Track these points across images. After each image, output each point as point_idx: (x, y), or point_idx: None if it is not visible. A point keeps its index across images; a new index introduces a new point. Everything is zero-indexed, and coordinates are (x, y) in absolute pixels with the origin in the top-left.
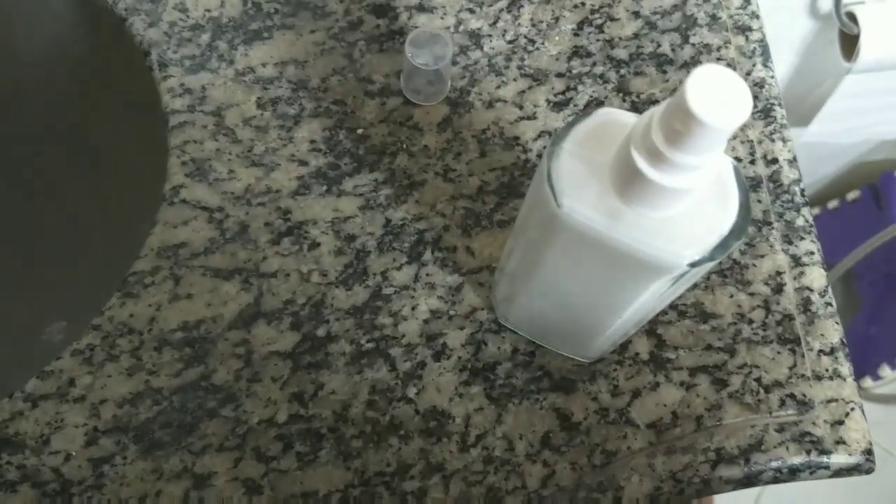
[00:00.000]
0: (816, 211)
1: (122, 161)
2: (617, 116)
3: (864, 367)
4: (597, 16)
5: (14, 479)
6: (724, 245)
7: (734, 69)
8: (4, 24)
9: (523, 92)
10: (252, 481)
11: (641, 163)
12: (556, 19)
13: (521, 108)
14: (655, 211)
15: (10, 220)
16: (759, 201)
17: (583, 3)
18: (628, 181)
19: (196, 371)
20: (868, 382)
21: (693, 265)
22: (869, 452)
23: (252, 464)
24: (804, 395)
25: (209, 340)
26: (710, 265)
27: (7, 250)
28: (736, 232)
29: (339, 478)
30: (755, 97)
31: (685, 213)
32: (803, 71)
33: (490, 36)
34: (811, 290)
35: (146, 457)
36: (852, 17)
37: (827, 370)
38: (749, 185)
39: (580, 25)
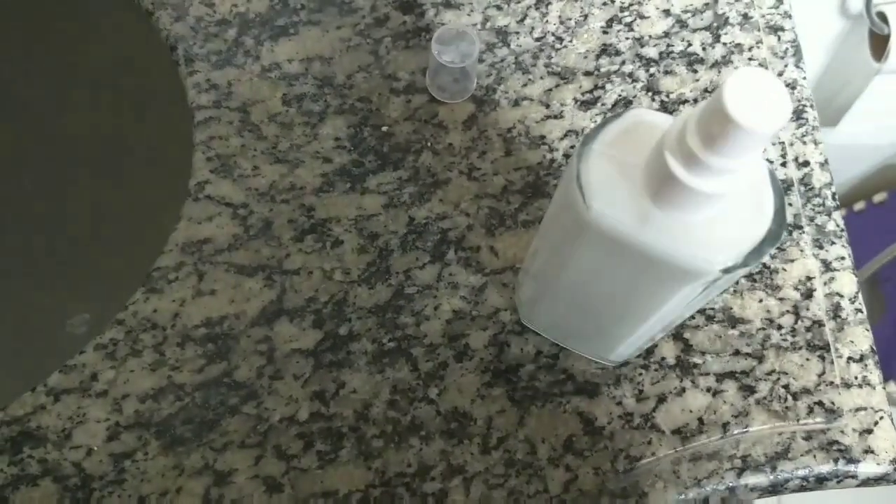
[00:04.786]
0: (842, 213)
1: (148, 156)
2: (649, 117)
3: (889, 371)
4: (626, 13)
5: (35, 472)
6: (758, 251)
7: (766, 69)
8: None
9: (550, 90)
10: (273, 479)
11: (676, 166)
12: (585, 17)
13: (547, 106)
14: (688, 215)
15: (34, 213)
16: (790, 205)
17: (612, 1)
18: (661, 184)
19: (218, 367)
20: (892, 387)
21: (726, 271)
22: None
23: (273, 461)
24: (832, 403)
25: (232, 337)
26: (743, 272)
27: (31, 243)
28: (771, 238)
29: (360, 477)
30: None
31: (719, 217)
32: (832, 71)
33: (517, 33)
34: (841, 296)
35: (167, 453)
36: (883, 17)
37: (856, 378)
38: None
39: (609, 23)
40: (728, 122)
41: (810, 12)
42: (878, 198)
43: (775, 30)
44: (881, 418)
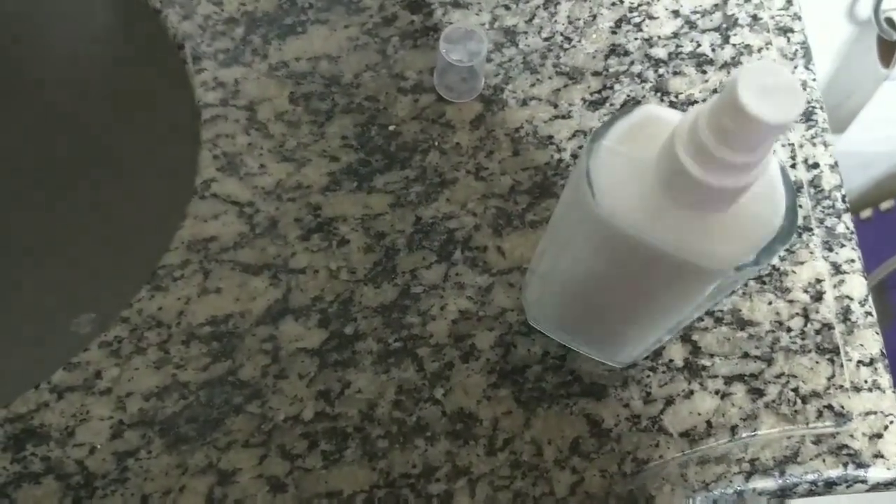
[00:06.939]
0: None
1: (154, 154)
2: (659, 113)
3: None
4: (635, 14)
5: (38, 470)
6: (770, 249)
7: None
8: (38, 17)
9: (558, 90)
10: (277, 479)
11: (688, 161)
12: (594, 17)
13: (555, 106)
14: (700, 212)
15: (40, 210)
16: (800, 206)
17: (621, 1)
18: (672, 180)
19: (223, 366)
20: None
21: (739, 269)
22: None
23: (277, 461)
24: (842, 407)
25: (237, 335)
26: (754, 270)
27: (37, 241)
28: (783, 235)
29: (364, 478)
30: None
31: (731, 215)
32: (840, 77)
33: (526, 33)
34: (851, 299)
35: (171, 451)
36: (891, 23)
37: (866, 381)
38: None
39: (618, 23)
40: (741, 115)
41: (818, 18)
42: (886, 205)
43: (784, 31)
44: (891, 422)
